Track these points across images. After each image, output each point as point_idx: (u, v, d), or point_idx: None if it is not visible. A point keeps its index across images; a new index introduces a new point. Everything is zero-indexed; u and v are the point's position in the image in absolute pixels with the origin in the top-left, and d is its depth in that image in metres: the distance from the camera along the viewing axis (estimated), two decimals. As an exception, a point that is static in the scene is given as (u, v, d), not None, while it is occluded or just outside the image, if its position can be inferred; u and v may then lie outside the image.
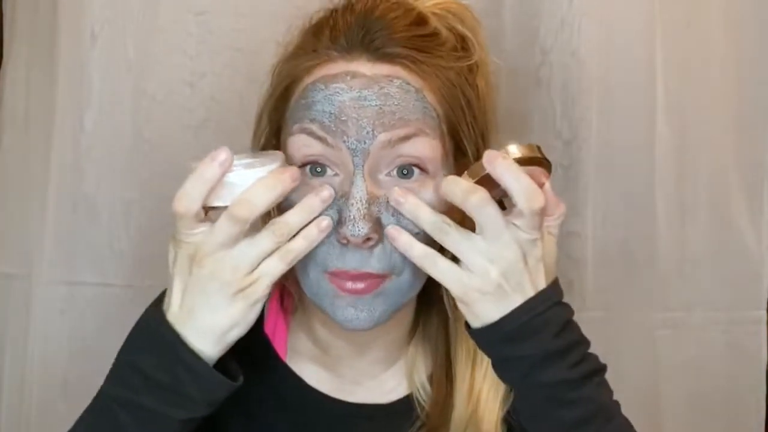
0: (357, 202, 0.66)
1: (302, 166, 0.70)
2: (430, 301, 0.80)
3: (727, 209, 1.21)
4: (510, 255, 0.64)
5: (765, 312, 1.23)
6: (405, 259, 0.69)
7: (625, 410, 0.84)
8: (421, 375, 0.80)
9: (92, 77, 1.11)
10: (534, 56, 1.15)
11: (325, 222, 0.64)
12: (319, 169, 0.69)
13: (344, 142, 0.67)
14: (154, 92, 1.12)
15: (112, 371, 0.66)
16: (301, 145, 0.69)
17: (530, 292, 0.65)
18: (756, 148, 1.23)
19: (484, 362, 0.77)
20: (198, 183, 0.62)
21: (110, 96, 1.11)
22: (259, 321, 0.80)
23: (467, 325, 0.68)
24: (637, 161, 1.17)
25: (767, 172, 1.23)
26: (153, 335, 0.64)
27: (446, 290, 0.77)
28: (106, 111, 1.11)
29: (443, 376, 0.79)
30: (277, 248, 0.63)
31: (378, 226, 0.68)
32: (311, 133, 0.69)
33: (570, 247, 1.14)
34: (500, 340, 0.65)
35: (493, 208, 0.64)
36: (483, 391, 0.76)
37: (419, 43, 0.71)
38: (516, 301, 0.64)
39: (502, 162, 0.64)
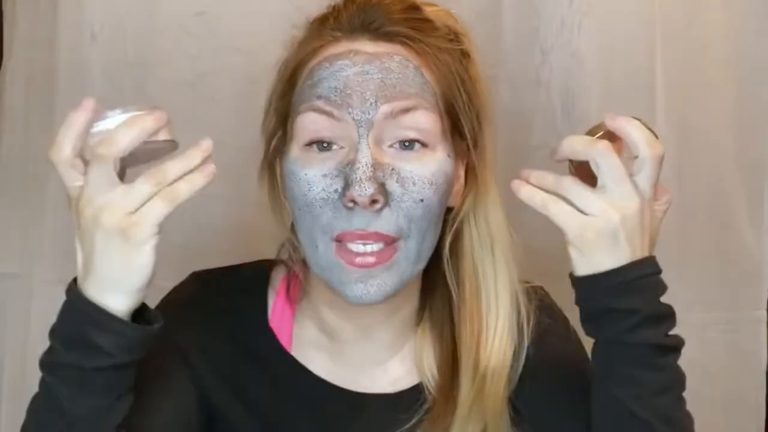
0: (363, 166, 0.69)
1: (309, 144, 0.72)
2: (434, 283, 0.82)
3: (727, 209, 1.21)
4: (631, 205, 0.67)
5: (765, 312, 1.23)
6: (411, 223, 0.71)
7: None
8: (430, 362, 0.81)
9: (92, 77, 1.11)
10: (534, 56, 1.15)
11: (210, 168, 0.64)
12: (325, 144, 0.72)
13: (349, 113, 0.71)
14: (154, 92, 1.12)
15: (46, 349, 0.68)
16: (309, 122, 0.72)
17: (639, 251, 0.68)
18: (756, 148, 1.23)
19: (488, 343, 0.78)
20: (66, 129, 0.65)
21: (110, 96, 1.11)
22: (264, 315, 0.82)
23: (571, 276, 0.71)
24: (637, 161, 1.17)
25: (767, 172, 1.23)
26: (65, 302, 0.68)
27: (451, 273, 0.80)
28: (106, 111, 1.11)
29: (450, 358, 0.80)
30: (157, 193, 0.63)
31: (383, 190, 0.70)
32: (317, 109, 0.72)
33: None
34: (610, 291, 0.68)
35: (617, 158, 0.67)
36: (488, 372, 0.77)
37: (415, 25, 0.75)
38: (627, 254, 0.67)
39: (623, 117, 0.68)
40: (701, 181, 1.20)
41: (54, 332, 0.66)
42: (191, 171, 0.63)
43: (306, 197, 0.72)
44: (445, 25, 0.78)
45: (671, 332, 0.70)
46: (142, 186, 0.62)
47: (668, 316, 0.70)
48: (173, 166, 0.63)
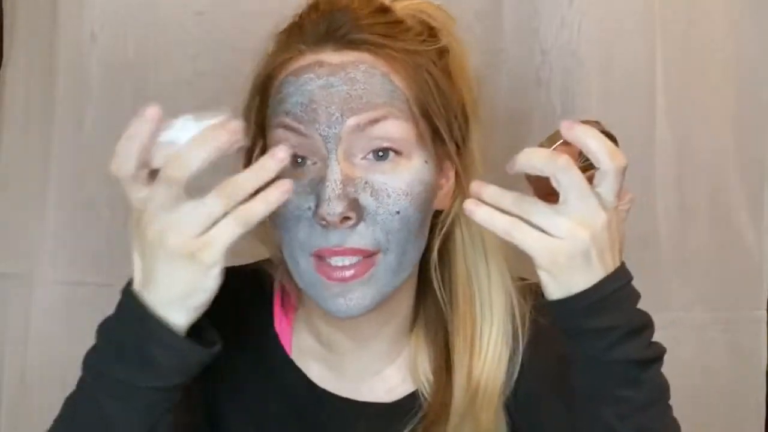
0: (332, 183, 0.68)
1: None
2: (427, 291, 0.80)
3: (727, 209, 1.21)
4: (598, 220, 0.64)
5: (765, 312, 1.23)
6: (388, 236, 0.70)
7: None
8: (426, 369, 0.80)
9: (92, 77, 1.11)
10: (534, 56, 1.15)
11: (287, 184, 0.59)
12: (299, 160, 0.71)
13: (316, 129, 0.69)
14: (154, 92, 1.12)
15: (92, 346, 0.65)
16: (279, 138, 0.71)
17: (611, 264, 0.65)
18: (756, 148, 1.23)
19: (482, 351, 0.77)
20: (128, 142, 0.59)
21: (110, 96, 1.11)
22: (270, 318, 0.81)
23: (542, 301, 0.67)
24: (637, 161, 1.17)
25: (767, 172, 1.23)
26: (121, 305, 0.64)
27: (439, 280, 0.78)
28: (106, 111, 1.11)
29: (444, 365, 0.79)
30: (228, 211, 0.59)
31: (356, 206, 0.69)
32: (286, 126, 0.70)
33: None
34: (586, 311, 0.65)
35: (578, 173, 0.63)
36: (482, 379, 0.76)
37: (383, 30, 0.72)
38: (599, 271, 0.64)
39: (580, 126, 0.65)
40: (701, 181, 1.20)
41: (107, 335, 0.63)
42: (266, 185, 0.59)
43: (283, 214, 0.70)
44: (419, 22, 0.75)
45: (653, 338, 0.68)
46: (213, 204, 0.58)
47: (647, 325, 0.68)
48: (246, 181, 0.59)
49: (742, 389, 1.23)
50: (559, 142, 0.66)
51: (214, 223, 0.58)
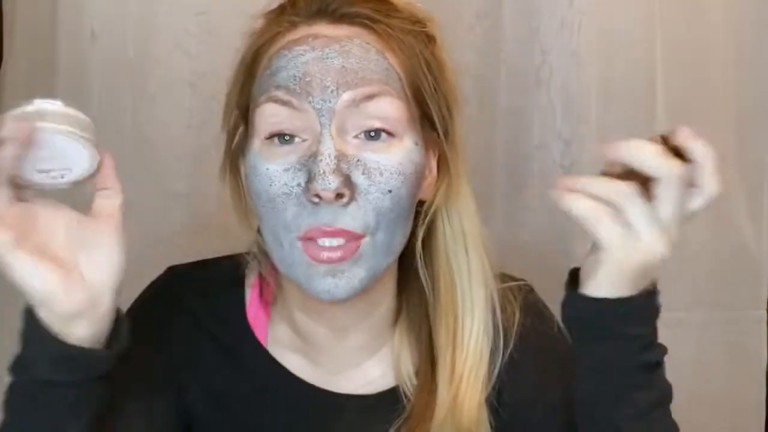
0: (326, 158, 0.66)
1: (270, 137, 0.69)
2: (410, 281, 0.79)
3: (727, 209, 1.21)
4: (675, 237, 0.61)
5: (765, 312, 1.23)
6: (379, 216, 0.68)
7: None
8: (408, 367, 0.78)
9: (92, 77, 1.11)
10: (534, 56, 1.15)
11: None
12: (287, 137, 0.69)
13: (310, 102, 0.67)
14: (154, 92, 1.12)
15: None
16: (269, 114, 0.69)
17: (651, 278, 0.65)
18: (756, 148, 1.23)
19: (464, 344, 0.76)
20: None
21: (110, 96, 1.11)
22: (241, 309, 0.80)
23: (574, 293, 0.65)
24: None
25: (767, 171, 1.23)
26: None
27: (423, 267, 0.77)
28: (106, 111, 1.11)
29: (427, 360, 0.77)
30: None
31: (349, 183, 0.67)
32: (277, 100, 0.68)
33: (570, 247, 1.14)
34: (625, 317, 0.64)
35: (681, 192, 0.60)
36: (465, 373, 0.75)
37: (376, 6, 0.72)
38: (647, 283, 0.64)
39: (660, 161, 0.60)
40: (701, 181, 1.20)
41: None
42: None
43: (268, 192, 0.68)
44: (407, 7, 0.74)
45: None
46: None
47: (656, 333, 0.68)
48: None
49: (742, 389, 1.23)
50: (617, 173, 0.62)
51: None
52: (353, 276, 0.69)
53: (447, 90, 0.74)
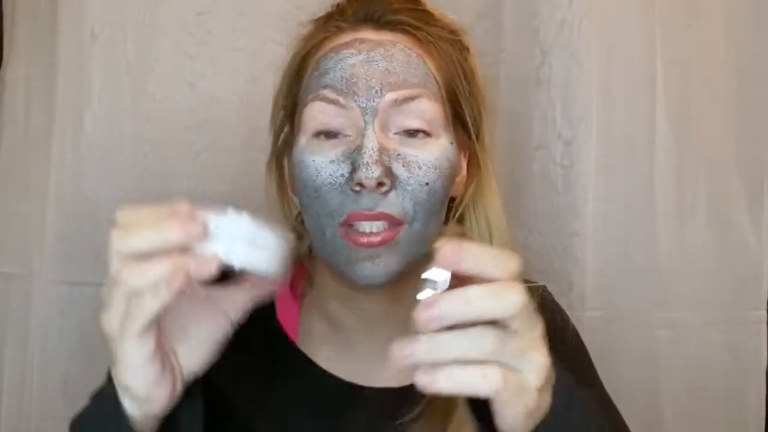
0: (369, 150, 0.71)
1: (317, 135, 0.74)
2: None
3: (727, 209, 1.21)
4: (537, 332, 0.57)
5: (765, 312, 1.23)
6: (416, 206, 0.73)
7: (625, 410, 0.84)
8: None
9: (92, 77, 1.11)
10: (534, 56, 1.15)
11: (181, 277, 0.56)
12: (333, 133, 0.74)
13: (355, 101, 0.72)
14: (154, 92, 1.12)
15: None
16: (316, 112, 0.74)
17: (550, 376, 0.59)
18: (756, 148, 1.23)
19: None
20: (153, 233, 0.58)
21: (110, 96, 1.11)
22: (272, 309, 0.82)
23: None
24: (637, 161, 1.17)
25: (767, 171, 1.23)
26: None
27: None
28: (106, 111, 1.11)
29: None
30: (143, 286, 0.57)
31: (389, 173, 0.72)
32: (324, 99, 0.73)
33: (570, 247, 1.14)
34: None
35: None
36: None
37: (417, 14, 0.77)
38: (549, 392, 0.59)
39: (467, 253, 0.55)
40: (701, 181, 1.20)
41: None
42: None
43: (314, 183, 0.73)
44: (443, 19, 0.79)
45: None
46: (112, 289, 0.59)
47: (574, 389, 0.61)
48: (150, 269, 0.57)
49: (742, 389, 1.23)
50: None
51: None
52: (390, 262, 0.73)
53: (478, 95, 0.80)
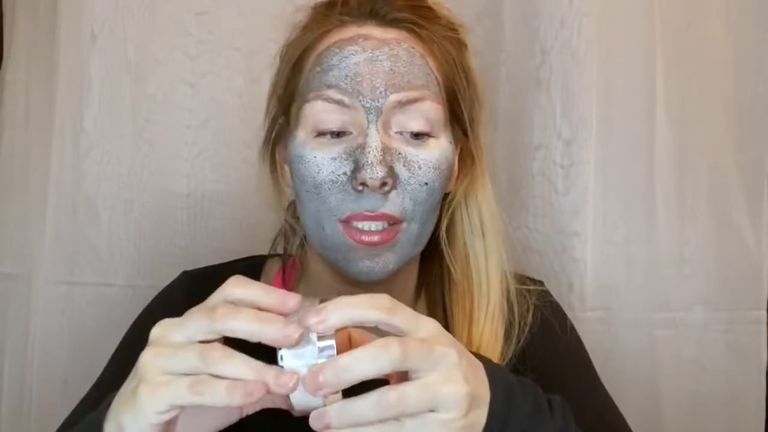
0: (373, 150, 0.71)
1: (319, 134, 0.73)
2: (429, 266, 0.83)
3: (727, 209, 1.21)
4: (450, 356, 0.56)
5: (765, 312, 1.23)
6: (415, 206, 0.73)
7: (625, 410, 0.84)
8: None
9: (92, 77, 1.11)
10: (534, 56, 1.15)
11: (259, 391, 0.52)
12: (334, 132, 0.73)
13: (360, 101, 0.72)
14: (154, 92, 1.12)
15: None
16: (318, 111, 0.73)
17: (485, 388, 0.58)
18: (756, 148, 1.23)
19: (480, 321, 0.79)
20: (254, 324, 0.54)
21: (110, 96, 1.11)
22: None
23: None
24: (637, 161, 1.17)
25: (767, 172, 1.23)
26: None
27: (448, 254, 0.81)
28: (106, 111, 1.11)
29: None
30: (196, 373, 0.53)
31: (392, 173, 0.72)
32: (327, 98, 0.73)
33: (570, 247, 1.14)
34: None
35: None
36: (480, 350, 0.77)
37: (420, 12, 0.77)
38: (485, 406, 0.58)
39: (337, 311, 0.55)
40: (701, 181, 1.20)
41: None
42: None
43: (315, 179, 0.73)
44: (445, 15, 0.79)
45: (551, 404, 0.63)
46: (186, 358, 0.53)
47: (547, 402, 0.62)
48: (232, 364, 0.53)
49: (742, 389, 1.23)
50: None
51: (176, 373, 0.53)
52: (388, 261, 0.74)
53: (474, 91, 0.80)
